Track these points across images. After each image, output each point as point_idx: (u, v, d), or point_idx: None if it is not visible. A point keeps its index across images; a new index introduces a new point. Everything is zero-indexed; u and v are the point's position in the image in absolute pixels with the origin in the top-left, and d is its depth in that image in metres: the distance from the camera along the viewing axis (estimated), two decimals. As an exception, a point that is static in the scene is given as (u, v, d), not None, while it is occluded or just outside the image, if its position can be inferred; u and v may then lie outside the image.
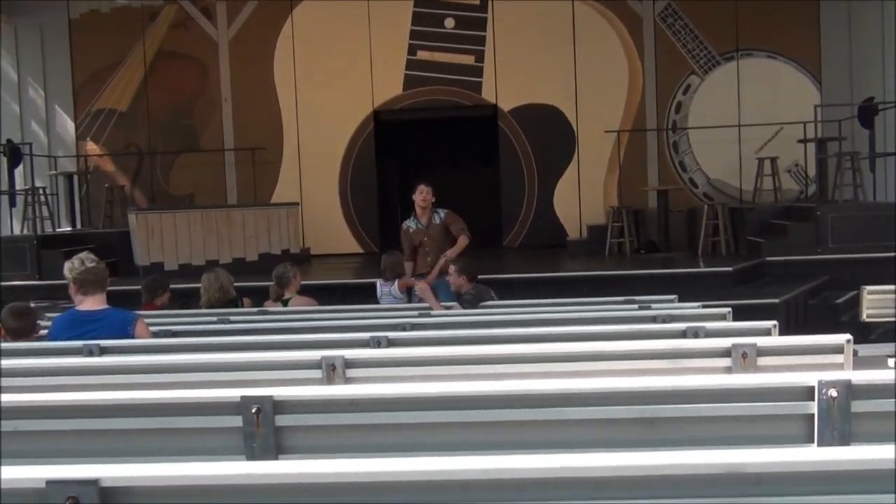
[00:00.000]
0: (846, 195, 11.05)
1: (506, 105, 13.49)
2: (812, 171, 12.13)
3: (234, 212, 12.07)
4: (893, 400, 2.43)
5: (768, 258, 10.21)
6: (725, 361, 3.48)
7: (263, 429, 2.49)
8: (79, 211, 13.38)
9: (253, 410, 2.48)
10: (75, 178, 13.46)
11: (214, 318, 5.82)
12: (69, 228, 13.09)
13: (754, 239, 10.91)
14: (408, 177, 13.71)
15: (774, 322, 4.23)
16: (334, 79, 13.47)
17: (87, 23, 13.90)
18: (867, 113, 11.02)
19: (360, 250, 13.58)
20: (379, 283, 7.48)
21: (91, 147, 14.01)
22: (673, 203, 12.30)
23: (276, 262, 8.32)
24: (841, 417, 2.42)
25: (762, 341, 3.53)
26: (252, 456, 2.50)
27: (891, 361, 5.62)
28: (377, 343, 4.19)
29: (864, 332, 7.33)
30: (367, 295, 7.61)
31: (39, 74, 14.01)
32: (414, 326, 5.03)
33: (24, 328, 4.86)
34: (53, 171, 13.46)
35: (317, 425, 2.54)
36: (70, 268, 4.57)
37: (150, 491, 1.70)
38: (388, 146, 14.04)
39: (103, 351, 4.25)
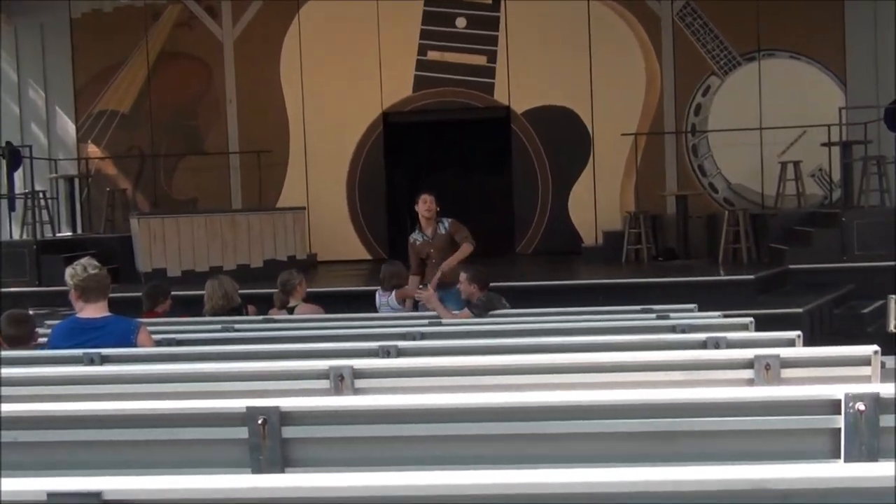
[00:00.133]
0: (872, 201, 11.00)
1: (519, 107, 13.50)
2: (837, 176, 12.08)
3: (239, 216, 12.10)
4: (923, 414, 2.42)
5: (791, 266, 10.17)
6: (748, 373, 3.47)
7: (269, 441, 2.49)
8: (79, 215, 13.45)
9: (259, 422, 2.48)
10: (76, 181, 13.53)
11: (218, 327, 5.83)
12: (69, 233, 13.16)
13: (777, 246, 10.88)
14: (418, 181, 13.73)
15: (798, 332, 4.21)
16: (342, 80, 13.51)
17: (89, 22, 13.99)
18: (894, 115, 10.98)
19: (369, 256, 13.59)
20: (378, 292, 7.51)
21: (92, 149, 14.08)
22: (692, 209, 12.28)
23: (281, 268, 8.34)
24: (868, 432, 2.40)
25: (786, 352, 3.52)
26: (258, 469, 2.50)
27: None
28: (386, 353, 4.19)
29: (892, 344, 7.28)
30: (374, 303, 7.62)
31: (40, 75, 14.10)
32: (424, 336, 5.03)
33: (22, 336, 4.88)
34: (54, 175, 13.53)
35: (325, 437, 2.55)
36: (72, 274, 4.59)
37: (153, 504, 1.70)
38: (398, 149, 14.07)
39: (104, 360, 4.27)
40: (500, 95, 13.55)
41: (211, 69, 13.91)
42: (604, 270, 11.04)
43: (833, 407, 2.46)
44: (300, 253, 12.47)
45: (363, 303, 7.95)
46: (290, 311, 6.90)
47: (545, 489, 1.67)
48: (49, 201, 12.84)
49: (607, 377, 3.50)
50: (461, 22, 13.56)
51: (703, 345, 4.16)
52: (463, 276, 6.70)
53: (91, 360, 4.24)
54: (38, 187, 12.58)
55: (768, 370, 3.41)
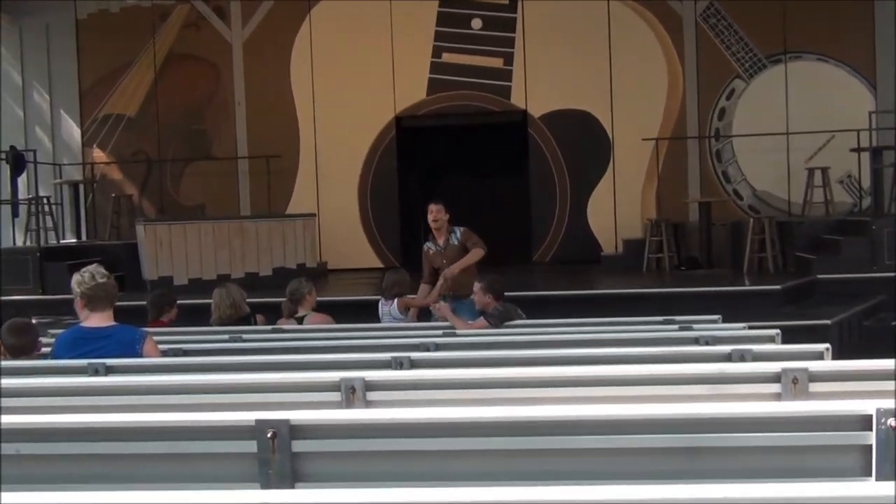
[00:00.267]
0: (903, 208, 10.95)
1: (536, 111, 13.50)
2: (866, 183, 12.02)
3: (248, 223, 12.14)
4: (958, 431, 2.40)
5: (819, 276, 10.12)
6: (775, 387, 3.45)
7: (279, 455, 2.50)
8: (84, 221, 13.53)
9: (268, 435, 2.49)
10: (81, 186, 13.60)
11: (226, 337, 5.85)
12: (74, 240, 13.23)
13: (804, 255, 10.83)
14: (432, 187, 13.75)
15: (827, 345, 4.19)
16: (354, 82, 13.54)
17: (95, 23, 14.09)
18: (926, 120, 10.94)
19: (381, 265, 13.58)
20: (381, 301, 7.52)
21: (98, 154, 14.17)
22: (716, 216, 12.23)
23: (291, 276, 8.36)
24: (901, 449, 2.39)
25: (814, 366, 3.50)
26: (267, 484, 2.50)
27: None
28: (399, 364, 4.19)
29: (924, 357, 7.24)
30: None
31: (44, 77, 14.20)
32: (438, 347, 5.03)
33: (24, 345, 4.90)
34: (58, 180, 13.60)
35: (336, 451, 2.55)
36: (79, 281, 4.61)
37: (159, 520, 1.71)
38: (411, 154, 14.09)
39: (109, 370, 4.29)
40: (516, 99, 13.56)
41: (219, 71, 13.98)
42: (624, 280, 11.01)
43: (864, 423, 2.44)
44: (310, 261, 12.50)
45: (373, 313, 7.96)
46: (300, 320, 6.91)
47: (564, 507, 1.66)
48: (53, 207, 12.91)
49: (628, 391, 3.49)
50: (477, 23, 13.58)
51: (728, 357, 4.14)
52: (477, 285, 6.70)
53: (95, 371, 4.26)
54: (42, 193, 12.66)
55: (796, 384, 3.39)
